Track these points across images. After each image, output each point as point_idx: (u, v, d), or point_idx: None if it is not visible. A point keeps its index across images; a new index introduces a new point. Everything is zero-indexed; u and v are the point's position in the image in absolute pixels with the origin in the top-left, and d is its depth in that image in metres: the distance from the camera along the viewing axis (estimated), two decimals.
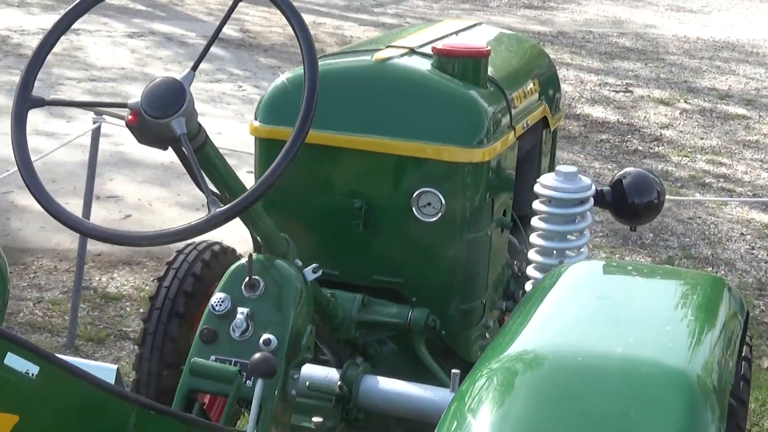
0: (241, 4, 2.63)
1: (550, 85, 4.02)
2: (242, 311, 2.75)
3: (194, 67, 2.50)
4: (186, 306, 3.70)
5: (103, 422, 1.86)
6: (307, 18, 14.37)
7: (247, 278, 2.78)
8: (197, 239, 4.71)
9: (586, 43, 13.74)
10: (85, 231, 2.51)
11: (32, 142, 7.57)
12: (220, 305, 2.78)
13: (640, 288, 2.19)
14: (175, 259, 4.03)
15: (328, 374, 3.12)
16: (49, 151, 6.02)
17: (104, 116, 5.39)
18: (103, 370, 2.04)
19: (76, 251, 6.40)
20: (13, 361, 1.69)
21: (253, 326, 2.74)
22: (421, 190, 3.28)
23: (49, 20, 12.46)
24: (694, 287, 2.17)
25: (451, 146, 3.25)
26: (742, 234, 7.44)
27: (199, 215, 7.06)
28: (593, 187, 3.07)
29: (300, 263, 2.91)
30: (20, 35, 11.76)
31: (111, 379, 2.02)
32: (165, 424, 2.00)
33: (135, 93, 10.30)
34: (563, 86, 11.27)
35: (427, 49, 3.51)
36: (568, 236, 3.02)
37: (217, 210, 2.40)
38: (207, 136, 2.58)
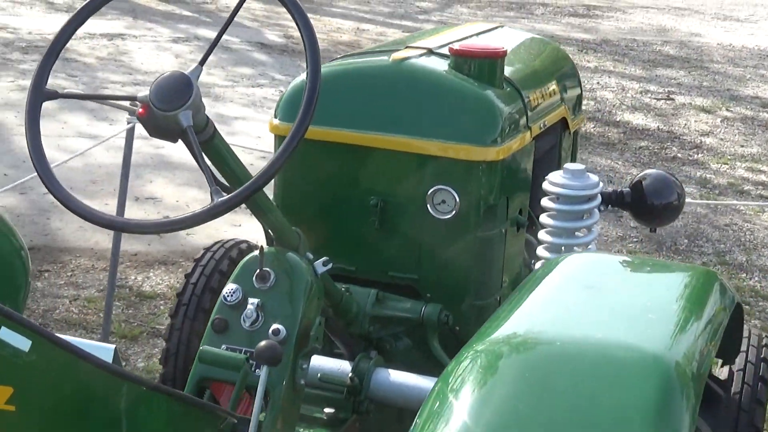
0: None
1: (570, 87, 4.05)
2: (253, 302, 2.81)
3: (202, 62, 2.58)
4: (212, 302, 3.76)
5: (96, 397, 1.93)
6: (351, 24, 14.54)
7: (258, 270, 2.85)
8: (225, 237, 4.79)
9: (629, 51, 13.72)
10: (91, 218, 2.59)
11: (75, 144, 7.71)
12: (232, 296, 2.85)
13: (629, 279, 2.24)
14: (202, 257, 4.11)
15: (341, 366, 3.18)
16: (81, 151, 6.13)
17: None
18: (102, 349, 2.10)
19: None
20: (6, 335, 1.76)
21: (264, 317, 2.81)
22: (435, 187, 3.33)
23: (96, 25, 12.66)
24: (683, 279, 2.21)
25: (466, 145, 3.30)
26: None
27: (235, 218, 7.14)
28: (601, 185, 3.12)
29: (311, 256, 2.97)
30: None
31: (109, 359, 2.09)
32: (157, 400, 2.06)
33: None
34: (604, 93, 11.29)
35: (445, 50, 3.56)
36: (576, 233, 3.06)
37: (219, 200, 2.47)
38: (215, 129, 2.65)
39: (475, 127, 3.33)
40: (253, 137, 8.43)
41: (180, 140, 2.57)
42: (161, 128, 2.52)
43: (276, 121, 3.51)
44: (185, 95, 2.48)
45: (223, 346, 2.79)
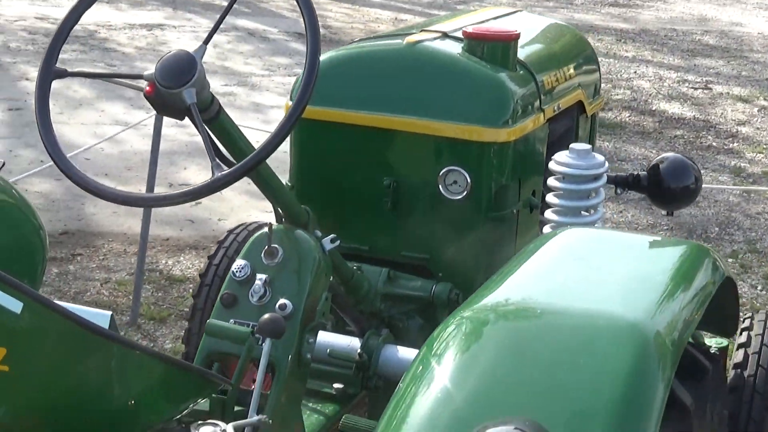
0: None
1: (587, 71, 4.08)
2: (261, 277, 2.88)
3: (206, 41, 2.64)
4: None
5: (87, 359, 1.99)
6: (389, 14, 14.56)
7: (266, 246, 2.92)
8: (248, 220, 4.86)
9: (668, 41, 13.66)
10: (95, 191, 2.65)
11: (111, 131, 7.76)
12: (241, 271, 2.91)
13: (618, 253, 2.27)
14: (225, 239, 4.18)
15: (350, 342, 3.23)
16: (110, 135, 6.22)
17: None
18: (98, 315, 2.17)
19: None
20: None
21: (271, 292, 2.87)
22: (447, 168, 3.38)
23: (135, 15, 12.78)
24: (673, 253, 2.24)
25: (477, 126, 3.35)
26: None
27: (267, 205, 7.26)
28: (606, 164, 3.15)
29: (319, 234, 3.03)
30: (107, 30, 12.07)
31: (105, 325, 2.16)
32: (148, 363, 2.12)
33: (214, 87, 10.47)
34: (641, 83, 11.26)
35: (459, 34, 3.60)
36: (582, 212, 3.10)
37: (219, 174, 2.53)
38: (221, 106, 2.71)
39: (487, 108, 3.38)
40: None
41: (187, 118, 2.63)
42: (167, 106, 2.59)
43: (291, 104, 3.56)
44: (189, 73, 2.55)
45: (232, 321, 2.85)
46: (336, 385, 3.22)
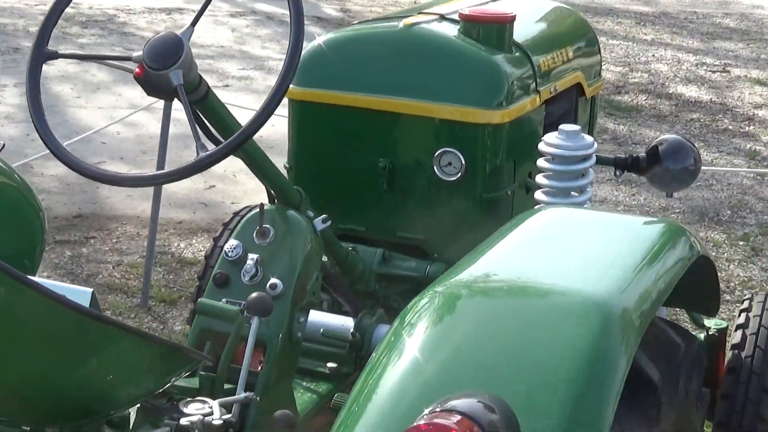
0: None
1: (587, 53, 4.09)
2: (252, 257, 2.92)
3: (193, 23, 2.68)
4: None
5: (62, 335, 2.03)
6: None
7: (258, 227, 2.96)
8: (254, 203, 4.89)
9: (688, 24, 13.60)
10: (84, 172, 2.69)
11: (132, 116, 7.75)
12: (233, 251, 2.95)
13: (592, 232, 2.30)
14: (230, 221, 4.23)
15: (344, 323, 3.27)
16: (121, 118, 6.27)
17: None
18: (79, 293, 2.21)
19: (159, 218, 6.67)
20: None
21: (263, 271, 2.92)
22: (442, 150, 3.41)
23: (157, 0, 12.83)
24: (646, 232, 2.27)
25: (471, 108, 3.37)
26: None
27: None
28: (595, 145, 3.17)
29: (312, 214, 3.07)
30: (126, 14, 12.14)
31: (86, 302, 2.20)
32: (125, 339, 2.16)
33: (231, 71, 10.48)
34: (659, 66, 11.22)
35: (456, 16, 3.62)
36: (572, 192, 3.13)
37: (203, 154, 2.57)
38: (209, 88, 2.75)
39: (481, 90, 3.40)
40: None
41: (176, 99, 2.67)
42: (156, 87, 2.63)
43: (290, 86, 3.60)
44: (176, 55, 2.59)
45: (224, 300, 2.89)
46: (330, 365, 3.26)
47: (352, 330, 3.23)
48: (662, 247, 2.22)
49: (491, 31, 3.49)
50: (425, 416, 1.64)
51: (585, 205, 3.12)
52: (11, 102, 9.00)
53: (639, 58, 11.61)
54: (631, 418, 2.00)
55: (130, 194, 7.04)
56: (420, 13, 3.72)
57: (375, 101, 3.48)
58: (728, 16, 14.27)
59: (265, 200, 3.15)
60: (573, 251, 2.19)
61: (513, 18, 3.52)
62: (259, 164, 2.97)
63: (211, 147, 2.62)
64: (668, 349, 2.23)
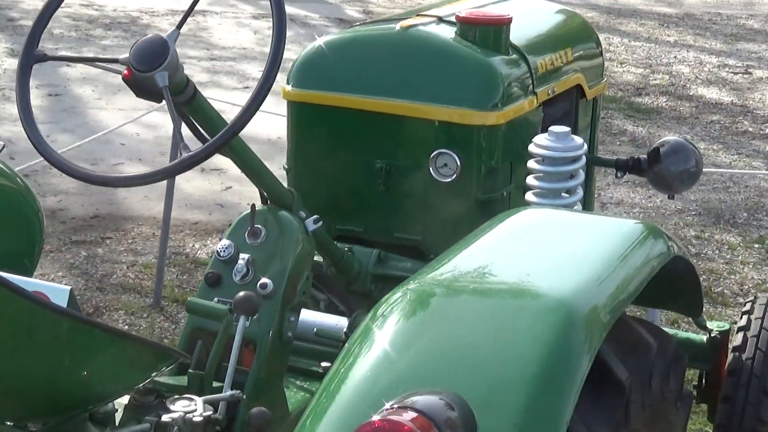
0: None
1: (588, 55, 4.10)
2: (244, 257, 2.96)
3: (179, 26, 2.72)
4: None
5: (35, 332, 2.06)
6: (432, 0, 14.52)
7: (249, 227, 2.99)
8: None
9: (711, 25, 13.56)
10: (69, 171, 2.74)
11: (147, 117, 7.83)
12: (225, 251, 2.99)
13: (566, 232, 2.32)
14: None
15: (338, 322, 3.30)
16: (135, 118, 6.33)
17: None
18: (57, 290, 2.25)
19: (175, 219, 6.73)
20: None
21: (254, 271, 2.95)
22: (438, 151, 3.43)
23: (179, 1, 12.91)
24: (620, 232, 2.29)
25: (466, 109, 3.40)
26: None
27: None
28: (584, 147, 3.19)
29: (304, 215, 3.10)
30: (150, 16, 12.23)
31: (64, 300, 2.24)
32: (99, 336, 2.20)
33: (252, 72, 10.54)
34: (680, 68, 11.19)
35: (454, 18, 3.65)
36: (562, 194, 3.14)
37: (185, 155, 2.61)
38: (196, 89, 2.79)
39: (476, 92, 3.42)
40: None
41: (164, 101, 2.70)
42: (143, 89, 2.67)
43: (288, 88, 3.65)
44: (161, 57, 2.63)
45: (215, 299, 2.93)
46: (323, 364, 3.29)
47: (345, 330, 3.26)
48: (634, 247, 2.23)
49: (488, 33, 3.51)
50: (383, 412, 1.67)
51: (576, 207, 3.14)
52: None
53: (661, 60, 11.58)
54: (597, 418, 2.01)
55: (147, 195, 7.11)
56: (418, 15, 3.75)
57: (372, 103, 3.51)
58: (753, 18, 14.21)
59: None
60: (544, 251, 2.21)
61: (509, 20, 3.54)
62: (249, 165, 3.01)
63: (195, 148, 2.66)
64: (639, 349, 2.25)
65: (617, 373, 2.10)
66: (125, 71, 2.68)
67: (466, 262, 2.18)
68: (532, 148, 3.17)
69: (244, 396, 2.74)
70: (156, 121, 8.17)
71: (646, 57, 11.70)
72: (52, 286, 2.27)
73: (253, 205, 3.04)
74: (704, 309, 5.72)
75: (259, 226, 3.00)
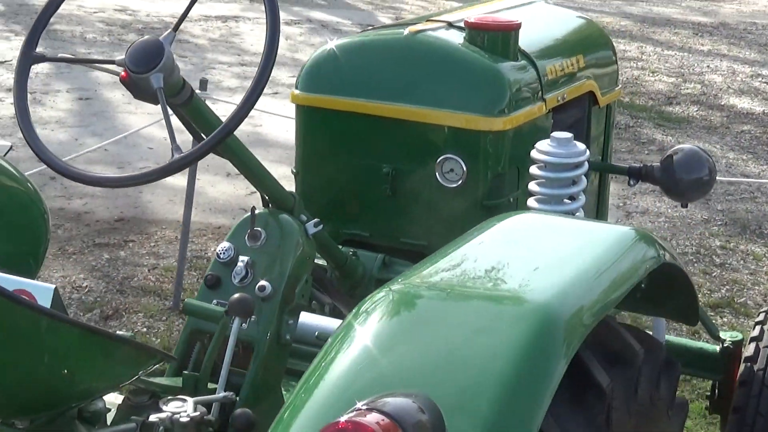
0: None
1: (601, 62, 4.08)
2: (243, 259, 2.96)
3: (175, 28, 2.73)
4: None
5: (13, 330, 2.08)
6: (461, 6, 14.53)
7: (249, 230, 3.00)
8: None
9: (746, 35, 13.47)
10: (63, 171, 2.75)
11: (178, 122, 7.92)
12: (224, 253, 3.00)
13: (554, 237, 2.30)
14: None
15: (339, 326, 3.29)
16: (155, 121, 6.36)
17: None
18: (41, 289, 2.26)
19: (198, 223, 6.76)
20: None
21: (253, 274, 2.96)
22: (444, 156, 3.43)
23: (211, 8, 12.97)
24: (609, 238, 2.27)
25: (473, 115, 3.39)
26: None
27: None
28: (587, 153, 3.17)
29: (305, 218, 3.10)
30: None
31: (48, 298, 2.24)
32: (79, 336, 2.21)
33: (281, 78, 10.55)
34: (713, 77, 11.12)
35: (463, 23, 3.64)
36: (565, 200, 3.13)
37: (177, 156, 2.62)
38: (193, 91, 2.80)
39: (483, 97, 3.42)
40: None
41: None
42: (140, 90, 2.69)
43: (297, 92, 3.65)
44: (157, 59, 2.64)
45: (214, 301, 2.94)
46: None
47: None
48: (621, 252, 2.22)
49: (496, 38, 3.50)
50: (350, 413, 1.67)
51: (578, 213, 3.12)
52: (63, 107, 9.17)
53: (693, 69, 11.51)
54: (576, 424, 2.00)
55: (171, 199, 7.14)
56: (428, 20, 3.75)
57: (380, 107, 3.51)
58: None
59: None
60: (529, 255, 2.20)
61: (518, 26, 3.53)
62: (249, 168, 3.02)
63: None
64: (624, 355, 2.23)
65: (598, 378, 2.08)
66: (122, 73, 2.69)
67: (452, 264, 2.18)
68: (534, 153, 3.16)
69: (239, 398, 2.74)
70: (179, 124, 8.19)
71: (679, 66, 11.63)
72: (37, 285, 2.28)
73: (254, 208, 3.05)
74: (726, 320, 5.72)
75: (259, 228, 3.01)
